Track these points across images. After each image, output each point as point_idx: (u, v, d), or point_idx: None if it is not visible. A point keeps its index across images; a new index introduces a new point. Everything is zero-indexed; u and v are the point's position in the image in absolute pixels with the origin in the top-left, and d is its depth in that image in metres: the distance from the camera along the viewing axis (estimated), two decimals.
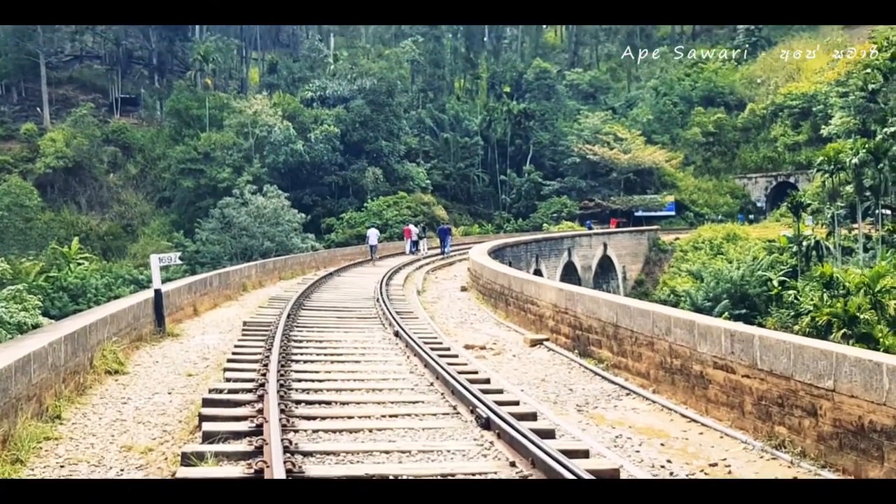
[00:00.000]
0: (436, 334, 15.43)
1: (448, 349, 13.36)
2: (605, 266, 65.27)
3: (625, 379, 11.71)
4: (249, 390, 9.76)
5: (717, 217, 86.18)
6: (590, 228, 73.86)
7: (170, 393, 11.04)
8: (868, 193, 64.52)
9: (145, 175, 73.31)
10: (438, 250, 44.01)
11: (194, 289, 20.32)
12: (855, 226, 65.81)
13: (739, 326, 8.99)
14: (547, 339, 15.05)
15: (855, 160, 60.93)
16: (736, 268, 62.34)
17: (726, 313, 54.22)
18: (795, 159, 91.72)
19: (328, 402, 9.52)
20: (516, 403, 9.25)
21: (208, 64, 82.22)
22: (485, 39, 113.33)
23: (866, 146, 61.44)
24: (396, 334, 14.45)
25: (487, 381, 10.69)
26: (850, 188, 64.83)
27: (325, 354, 12.91)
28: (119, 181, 72.04)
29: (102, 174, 71.46)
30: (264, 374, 10.45)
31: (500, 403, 8.66)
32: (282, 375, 10.50)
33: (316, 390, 10.22)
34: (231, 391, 9.80)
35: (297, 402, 9.36)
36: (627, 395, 11.14)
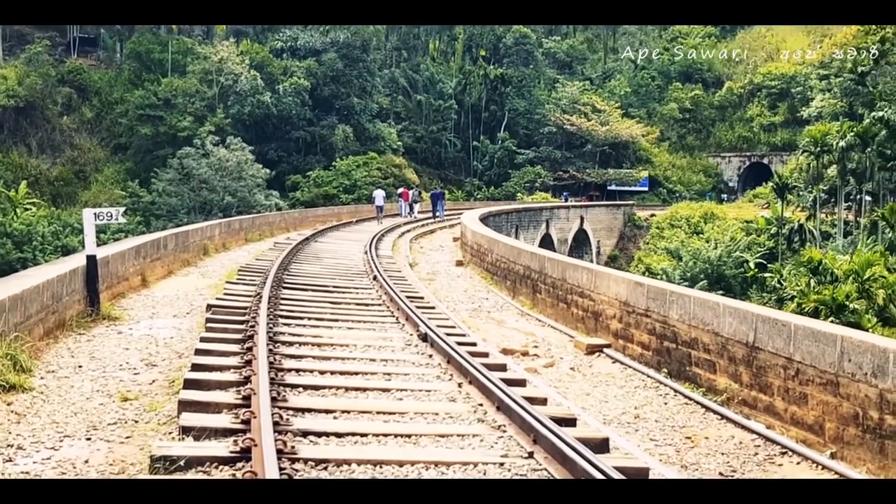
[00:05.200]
0: (466, 333, 11.74)
1: (503, 366, 9.55)
2: (581, 240, 63.13)
3: (766, 426, 8.25)
4: (226, 461, 5.89)
5: (690, 195, 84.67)
6: (566, 200, 71.59)
7: (89, 439, 6.89)
8: (850, 178, 63.21)
9: (101, 119, 68.91)
10: (430, 214, 44.05)
11: (144, 252, 16.47)
12: (835, 210, 64.54)
13: None
14: (608, 346, 11.67)
15: (842, 143, 59.43)
16: (713, 248, 60.72)
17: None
18: (770, 140, 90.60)
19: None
20: None
21: None
22: None
23: (854, 129, 59.93)
24: (424, 338, 10.51)
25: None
26: (832, 171, 63.39)
27: (334, 373, 8.81)
28: (73, 124, 67.61)
29: (55, 116, 66.97)
30: (247, 423, 6.51)
31: None
32: (277, 426, 6.45)
33: (340, 464, 6.02)
34: (192, 463, 5.81)
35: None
36: (783, 454, 7.65)
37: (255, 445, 5.87)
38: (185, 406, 7.11)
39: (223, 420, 6.77)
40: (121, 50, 77.99)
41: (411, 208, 45.08)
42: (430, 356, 9.80)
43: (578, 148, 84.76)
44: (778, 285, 51.81)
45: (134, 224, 52.85)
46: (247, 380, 7.80)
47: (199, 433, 6.42)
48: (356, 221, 38.49)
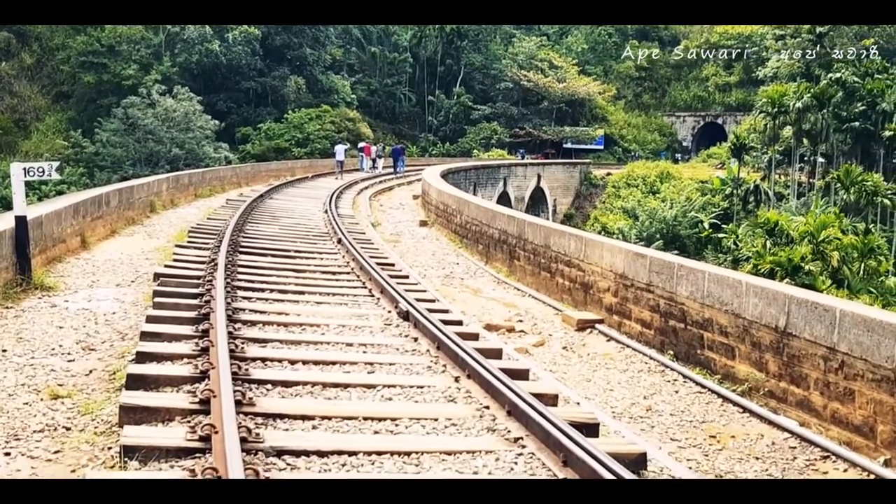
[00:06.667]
0: (449, 309, 10.37)
1: (499, 352, 8.35)
2: (537, 198, 62.46)
3: (799, 422, 7.20)
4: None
5: (645, 154, 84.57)
6: (522, 157, 70.72)
7: (8, 454, 5.47)
8: (804, 139, 63.42)
9: (42, 66, 65.72)
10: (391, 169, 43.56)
11: (83, 211, 14.82)
12: (789, 171, 64.82)
13: None
14: (601, 322, 10.57)
15: (798, 104, 59.43)
16: (669, 208, 60.63)
17: None
18: (725, 100, 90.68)
19: None
20: None
21: None
22: None
23: (811, 91, 59.95)
24: (405, 316, 9.20)
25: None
26: (787, 131, 63.47)
27: (307, 363, 7.43)
28: (12, 71, 64.34)
29: None
30: (206, 440, 5.17)
31: None
32: (245, 443, 5.16)
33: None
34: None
35: None
36: (825, 459, 6.60)
37: (218, 476, 4.56)
38: (128, 413, 5.75)
39: (176, 435, 5.35)
40: None
41: (374, 163, 44.43)
42: (416, 339, 8.54)
43: (535, 105, 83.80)
44: (733, 246, 51.84)
45: (77, 176, 50.96)
46: (204, 374, 6.47)
47: (146, 456, 5.07)
48: (311, 177, 37.05)
